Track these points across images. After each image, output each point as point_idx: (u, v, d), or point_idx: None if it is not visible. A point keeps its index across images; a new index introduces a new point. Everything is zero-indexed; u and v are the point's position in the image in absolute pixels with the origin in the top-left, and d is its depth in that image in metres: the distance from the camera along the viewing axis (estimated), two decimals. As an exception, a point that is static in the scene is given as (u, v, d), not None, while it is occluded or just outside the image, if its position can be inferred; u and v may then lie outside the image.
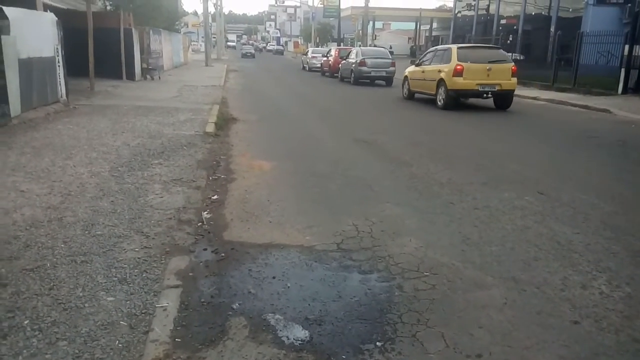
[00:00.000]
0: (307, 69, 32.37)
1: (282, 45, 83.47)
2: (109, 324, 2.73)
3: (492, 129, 10.10)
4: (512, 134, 9.53)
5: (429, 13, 51.06)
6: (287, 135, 9.10)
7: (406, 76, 15.29)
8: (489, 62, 12.50)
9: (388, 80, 20.35)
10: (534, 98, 15.85)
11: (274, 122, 10.75)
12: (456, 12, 42.93)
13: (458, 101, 12.84)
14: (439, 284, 3.32)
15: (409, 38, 58.59)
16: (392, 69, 20.27)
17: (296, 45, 77.73)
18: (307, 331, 2.76)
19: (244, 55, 54.78)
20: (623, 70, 15.31)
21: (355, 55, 21.01)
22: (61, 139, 7.39)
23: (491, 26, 35.62)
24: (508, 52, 22.87)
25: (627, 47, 15.12)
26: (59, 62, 10.58)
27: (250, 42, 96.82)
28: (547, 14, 31.61)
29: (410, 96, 15.04)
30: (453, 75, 12.28)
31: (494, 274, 3.48)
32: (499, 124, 10.89)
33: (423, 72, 14.08)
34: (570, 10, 29.77)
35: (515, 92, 16.71)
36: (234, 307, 2.99)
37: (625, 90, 15.22)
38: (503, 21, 34.99)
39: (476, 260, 3.71)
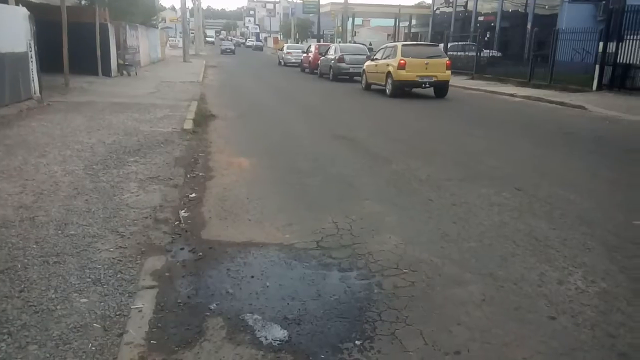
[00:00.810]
0: (283, 64, 33.59)
1: (261, 41, 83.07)
2: (82, 326, 2.66)
3: (473, 126, 10.18)
4: (490, 131, 9.62)
5: (408, 10, 51.21)
6: (266, 129, 9.03)
7: (364, 70, 17.29)
8: (427, 57, 14.60)
9: None
10: (512, 95, 16.02)
11: (253, 118, 10.66)
12: (435, 9, 43.21)
13: (403, 90, 14.81)
14: (418, 281, 3.32)
15: (389, 35, 58.75)
16: None
17: (275, 41, 77.33)
18: (285, 331, 2.73)
19: (224, 52, 53.42)
20: (598, 67, 15.57)
21: (334, 51, 21.26)
22: (34, 137, 7.21)
23: (469, 23, 35.92)
24: (486, 49, 23.50)
25: (601, 44, 15.40)
26: (31, 57, 10.32)
27: (230, 37, 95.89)
28: (523, 11, 32.03)
29: (368, 87, 16.98)
30: (398, 69, 14.39)
31: (472, 270, 3.50)
32: (480, 121, 10.98)
33: (376, 66, 15.99)
34: (547, 7, 30.22)
35: (494, 90, 17.34)
36: (212, 307, 2.94)
37: (599, 87, 15.49)
38: (481, 18, 35.34)
39: (455, 256, 3.72)
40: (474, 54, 23.10)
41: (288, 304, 3.01)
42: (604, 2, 24.86)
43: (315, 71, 24.36)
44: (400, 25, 52.25)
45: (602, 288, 3.28)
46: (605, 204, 5.07)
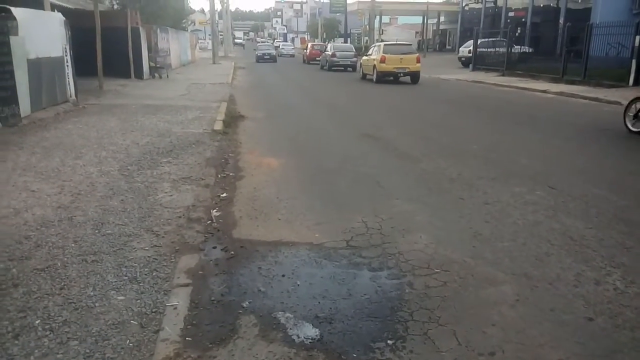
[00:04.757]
0: (279, 55, 44.74)
1: (287, 41, 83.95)
2: (120, 323, 2.73)
3: (504, 123, 10.01)
4: (522, 129, 9.44)
5: (436, 7, 50.71)
6: (291, 123, 9.07)
7: (361, 63, 22.47)
8: (402, 53, 19.23)
9: (352, 67, 26.76)
10: (544, 91, 15.69)
11: (277, 110, 10.72)
12: (463, 5, 42.65)
13: (384, 78, 19.29)
14: (450, 280, 3.29)
15: (416, 32, 58.25)
16: (355, 59, 27.06)
17: (302, 41, 77.69)
18: (317, 329, 2.74)
19: (261, 59, 37.17)
20: (634, 61, 15.10)
21: (329, 49, 29.02)
22: (71, 139, 7.42)
23: (499, 19, 35.34)
24: (517, 45, 23.18)
25: (637, 38, 14.92)
26: (67, 61, 10.63)
27: (262, 39, 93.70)
28: (555, 6, 31.34)
29: (363, 77, 21.53)
30: (380, 62, 19.03)
31: (505, 270, 3.45)
32: (511, 118, 10.79)
33: (368, 60, 20.72)
34: (580, 1, 29.47)
35: (525, 86, 17.40)
36: (244, 305, 2.98)
37: (636, 82, 15.02)
38: (511, 14, 34.72)
39: (488, 256, 3.67)
40: (504, 50, 22.72)
41: (319, 302, 3.02)
42: (640, -6, 24.06)
43: (310, 62, 34.73)
44: (428, 22, 51.74)
45: (642, 289, 3.19)
46: (644, 202, 4.92)
